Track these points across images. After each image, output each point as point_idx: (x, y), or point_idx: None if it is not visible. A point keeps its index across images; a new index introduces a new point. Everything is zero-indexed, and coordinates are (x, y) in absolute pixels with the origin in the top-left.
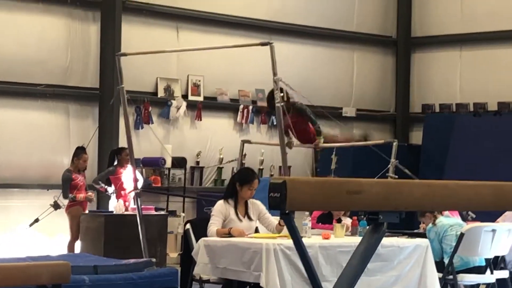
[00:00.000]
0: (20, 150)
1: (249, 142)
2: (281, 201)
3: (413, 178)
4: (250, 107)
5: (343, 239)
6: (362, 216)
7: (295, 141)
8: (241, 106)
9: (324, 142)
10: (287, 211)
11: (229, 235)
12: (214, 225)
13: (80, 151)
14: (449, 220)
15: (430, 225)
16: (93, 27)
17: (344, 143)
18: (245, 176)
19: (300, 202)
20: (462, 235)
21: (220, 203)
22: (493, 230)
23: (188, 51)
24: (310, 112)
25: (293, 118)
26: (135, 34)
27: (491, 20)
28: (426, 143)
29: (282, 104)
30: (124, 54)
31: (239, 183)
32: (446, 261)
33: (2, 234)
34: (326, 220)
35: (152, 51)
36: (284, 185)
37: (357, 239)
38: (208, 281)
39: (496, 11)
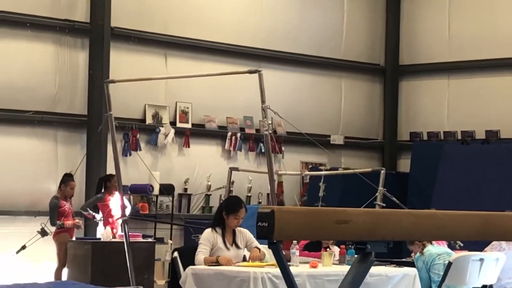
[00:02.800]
0: (8, 177)
1: (236, 169)
2: (269, 230)
3: (401, 206)
4: (238, 134)
5: (331, 267)
6: (350, 246)
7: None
8: (229, 133)
9: None
10: (275, 241)
11: (217, 263)
12: (201, 253)
13: (67, 178)
14: (437, 249)
15: (418, 254)
16: (82, 54)
17: None
18: (231, 205)
19: (288, 232)
20: (450, 264)
21: (208, 231)
22: (481, 259)
23: (176, 78)
24: None
25: None
26: (123, 61)
27: (479, 49)
28: (414, 171)
29: (270, 132)
30: (113, 81)
31: (226, 212)
32: None
33: None
34: (313, 247)
35: (140, 78)
36: (272, 215)
37: (345, 268)
38: None
39: (483, 39)
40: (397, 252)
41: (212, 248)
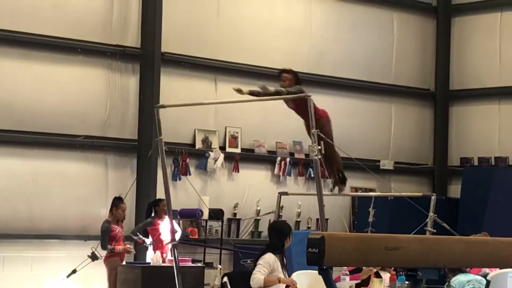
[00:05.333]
0: (59, 201)
1: (286, 194)
2: (319, 256)
3: (452, 232)
4: (288, 159)
5: None
6: (401, 272)
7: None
8: (279, 158)
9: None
10: (325, 267)
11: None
12: (260, 273)
13: (118, 201)
14: (467, 277)
15: (449, 281)
16: (132, 79)
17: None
18: (288, 229)
19: (338, 258)
20: (488, 282)
21: (271, 255)
22: None
23: (226, 103)
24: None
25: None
26: (173, 86)
27: None
28: (465, 196)
29: (319, 157)
30: (163, 106)
31: (286, 237)
32: None
33: (40, 285)
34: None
35: (190, 104)
36: (323, 241)
37: None
38: None
39: None
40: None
41: (271, 272)
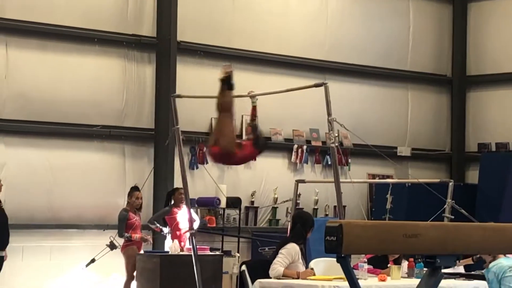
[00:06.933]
0: (77, 191)
1: (303, 181)
2: (337, 244)
3: (470, 218)
4: (304, 147)
5: (399, 281)
6: (419, 259)
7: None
8: (295, 146)
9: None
10: (343, 255)
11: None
12: (280, 264)
13: (132, 190)
14: (509, 262)
15: (489, 265)
16: (149, 69)
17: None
18: (310, 220)
19: (357, 246)
20: None
21: (294, 246)
22: None
23: (242, 96)
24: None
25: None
26: (189, 75)
27: None
28: (483, 182)
29: (336, 144)
30: (180, 96)
31: (310, 227)
32: None
33: (59, 274)
34: (379, 262)
35: (206, 96)
36: (340, 229)
37: (414, 281)
38: None
39: None
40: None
41: (291, 262)
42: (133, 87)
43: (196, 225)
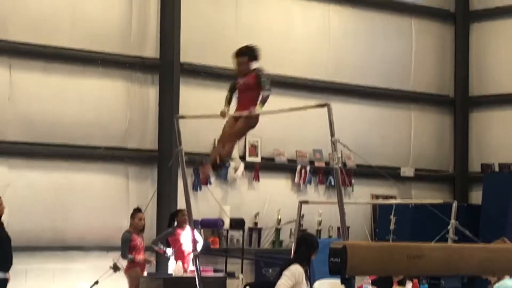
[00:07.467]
0: (80, 213)
1: (306, 202)
2: (341, 266)
3: (474, 239)
4: (308, 168)
5: None
6: (424, 280)
7: (229, 110)
8: (299, 167)
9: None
10: (347, 276)
11: None
12: (284, 285)
13: (135, 211)
14: None
15: (494, 286)
16: (152, 90)
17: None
18: (315, 242)
19: (361, 267)
20: None
21: (298, 267)
22: None
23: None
24: (268, 80)
25: (250, 79)
26: (193, 95)
27: None
28: (486, 203)
29: (340, 165)
30: (183, 117)
31: (314, 250)
32: None
33: None
34: (383, 283)
35: (210, 115)
36: (345, 250)
37: None
38: None
39: None
40: (471, 286)
41: (295, 284)
42: (137, 109)
43: (199, 246)
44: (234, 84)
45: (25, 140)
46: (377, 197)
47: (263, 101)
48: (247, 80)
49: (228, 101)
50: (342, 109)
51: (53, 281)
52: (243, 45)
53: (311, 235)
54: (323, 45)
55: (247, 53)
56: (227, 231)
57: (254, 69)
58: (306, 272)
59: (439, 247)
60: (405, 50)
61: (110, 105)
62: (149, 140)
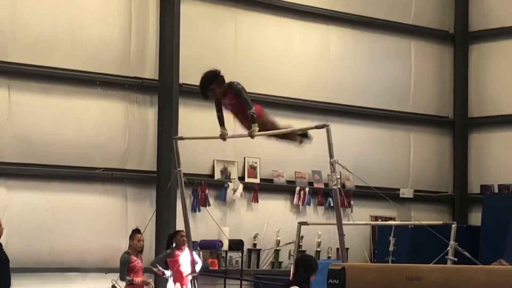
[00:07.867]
0: (79, 234)
1: (306, 224)
2: (340, 287)
3: (473, 261)
4: (307, 189)
5: None
6: None
7: (226, 130)
8: (298, 188)
9: (262, 129)
10: None
11: None
12: None
13: (133, 232)
14: None
15: None
16: (151, 111)
17: (279, 130)
18: (315, 264)
19: None
20: None
21: None
22: None
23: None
24: (246, 95)
25: (232, 99)
26: (192, 117)
27: None
28: (486, 224)
29: (338, 186)
30: (181, 138)
31: (313, 272)
32: None
33: None
34: None
35: (208, 137)
36: (343, 272)
37: None
38: None
39: None
40: None
41: None
42: (135, 130)
43: (198, 268)
44: (219, 104)
45: (23, 161)
46: (376, 218)
47: (253, 120)
48: (229, 100)
49: (222, 122)
50: (341, 130)
51: None
52: (200, 79)
53: (310, 257)
54: (322, 66)
55: (212, 79)
56: (226, 252)
57: (227, 87)
58: None
59: (438, 268)
60: (404, 71)
61: (109, 126)
62: (148, 161)
